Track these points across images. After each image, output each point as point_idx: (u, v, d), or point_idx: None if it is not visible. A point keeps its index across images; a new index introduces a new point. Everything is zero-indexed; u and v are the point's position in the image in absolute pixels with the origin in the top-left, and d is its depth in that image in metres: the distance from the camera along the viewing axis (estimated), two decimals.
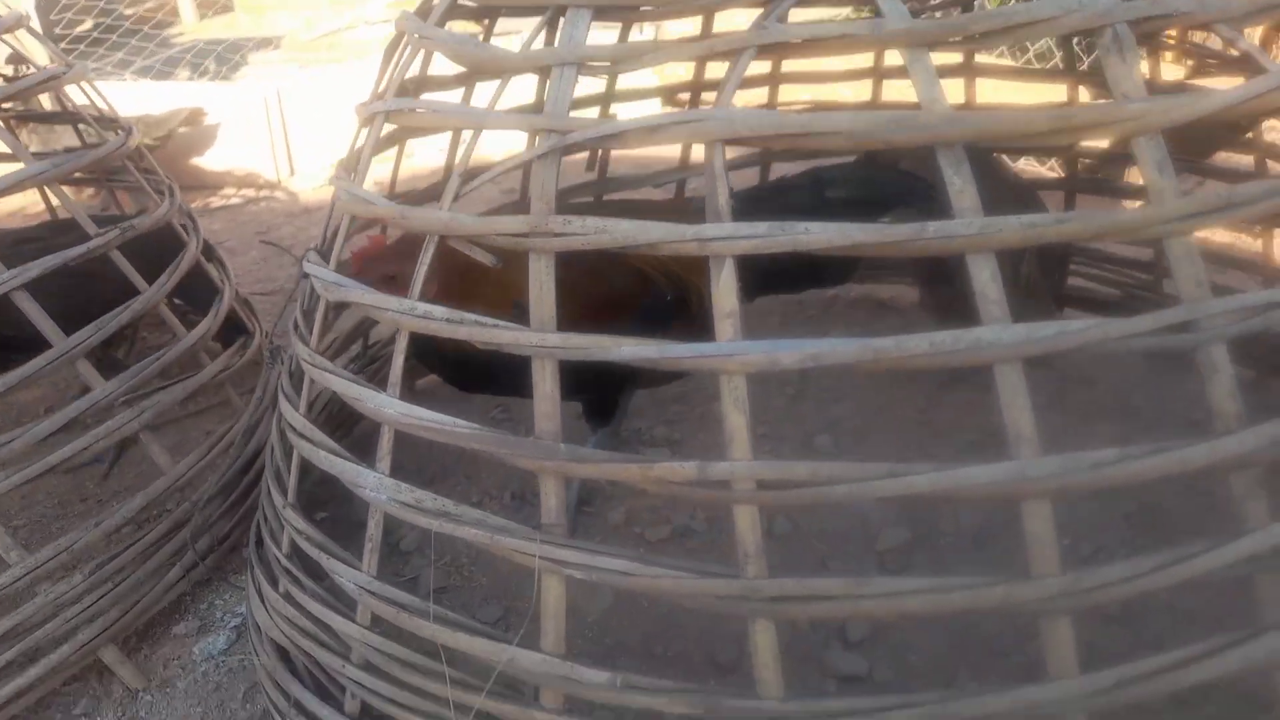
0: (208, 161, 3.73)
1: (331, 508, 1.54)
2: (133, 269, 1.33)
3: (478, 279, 1.03)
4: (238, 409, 1.55)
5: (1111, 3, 0.76)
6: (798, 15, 0.83)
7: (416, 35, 1.06)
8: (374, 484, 0.92)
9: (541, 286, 0.83)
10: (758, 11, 0.81)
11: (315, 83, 4.07)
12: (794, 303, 2.08)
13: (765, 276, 1.30)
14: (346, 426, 1.58)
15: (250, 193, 3.64)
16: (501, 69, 0.94)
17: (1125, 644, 1.11)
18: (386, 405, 0.91)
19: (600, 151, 1.75)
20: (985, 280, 0.72)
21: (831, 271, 1.50)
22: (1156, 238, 0.73)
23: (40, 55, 1.88)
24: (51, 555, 1.11)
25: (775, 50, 0.78)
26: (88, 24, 7.18)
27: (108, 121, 1.74)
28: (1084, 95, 1.77)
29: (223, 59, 6.49)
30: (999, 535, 1.34)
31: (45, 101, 2.21)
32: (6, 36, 1.48)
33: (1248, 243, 2.02)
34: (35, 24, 1.59)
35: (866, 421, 1.63)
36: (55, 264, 1.27)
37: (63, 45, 5.80)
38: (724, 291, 0.76)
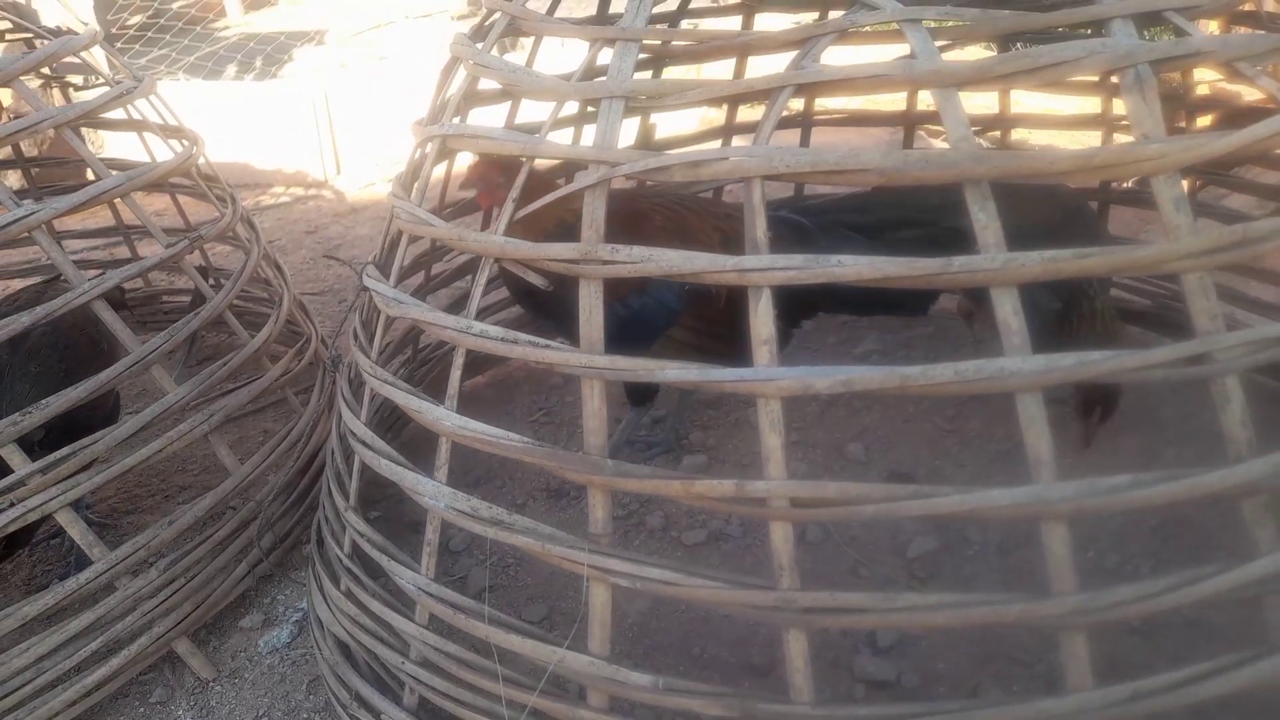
0: (257, 160, 3.84)
1: (384, 506, 1.62)
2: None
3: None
4: (295, 410, 1.63)
5: (1134, 44, 0.80)
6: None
7: (472, 62, 1.12)
8: (433, 492, 0.98)
9: (591, 310, 0.89)
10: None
11: (360, 83, 4.16)
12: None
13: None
14: (398, 428, 1.66)
15: (299, 191, 3.74)
16: (551, 98, 1.00)
17: (1145, 656, 1.15)
18: (444, 418, 0.98)
19: None
20: (1007, 312, 0.76)
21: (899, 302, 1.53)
22: (1172, 272, 0.76)
23: (104, 63, 1.97)
24: (130, 552, 1.20)
25: (810, 89, 0.83)
26: (137, 20, 7.37)
27: (172, 131, 1.82)
28: (1118, 107, 1.79)
29: (269, 56, 6.63)
30: (1025, 545, 1.38)
31: None
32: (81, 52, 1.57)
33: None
34: (100, 34, 1.67)
35: (896, 430, 1.67)
36: (133, 273, 1.36)
37: (116, 46, 5.97)
38: (761, 319, 0.81)
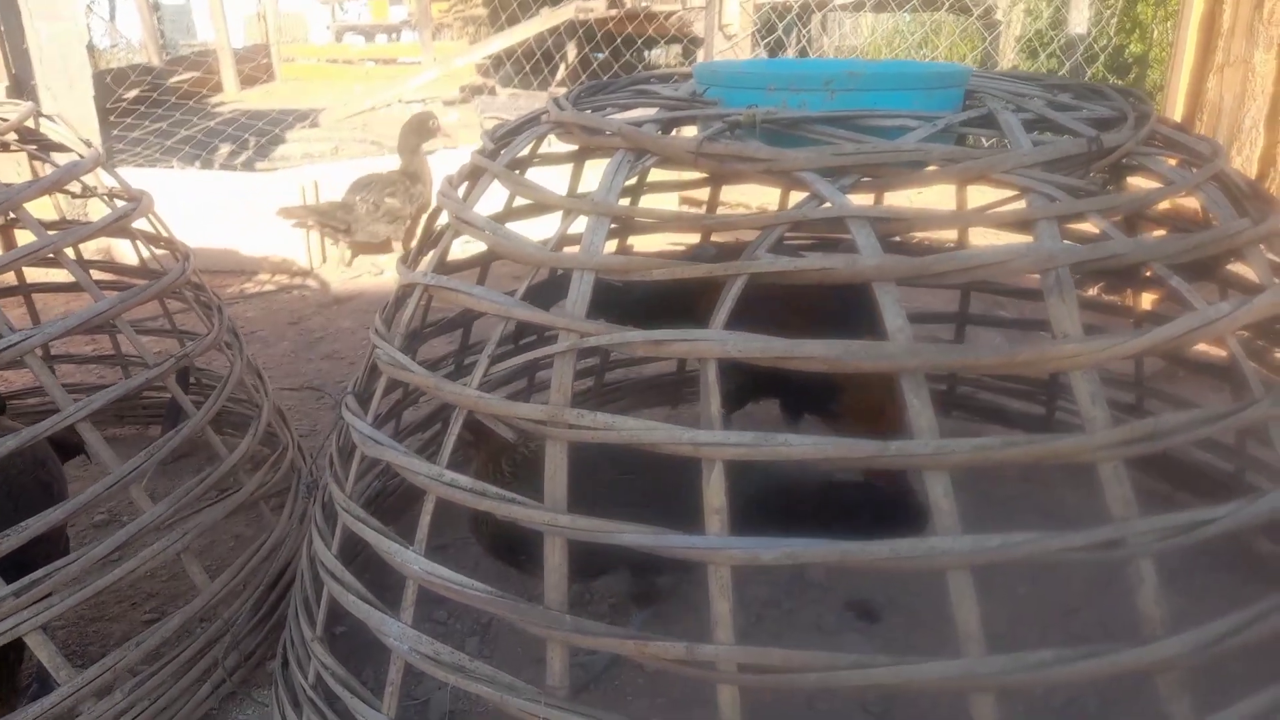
0: (245, 247, 3.92)
1: (351, 620, 1.63)
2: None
3: None
4: (267, 520, 1.66)
5: (1055, 247, 0.88)
6: None
7: (455, 218, 1.20)
8: (397, 634, 1.02)
9: (555, 469, 0.94)
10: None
11: (350, 170, 4.27)
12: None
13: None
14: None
15: (284, 279, 3.81)
16: (525, 262, 1.07)
17: None
18: (412, 562, 1.02)
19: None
20: (939, 494, 0.83)
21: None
22: (1089, 462, 0.83)
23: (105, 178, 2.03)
24: (97, 674, 1.21)
25: (762, 277, 0.90)
26: (134, 94, 7.53)
27: (165, 243, 1.89)
28: None
29: (263, 133, 6.78)
30: None
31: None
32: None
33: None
34: (103, 156, 1.75)
35: None
36: (118, 394, 1.40)
37: (111, 119, 6.10)
38: (713, 490, 0.87)
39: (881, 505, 1.31)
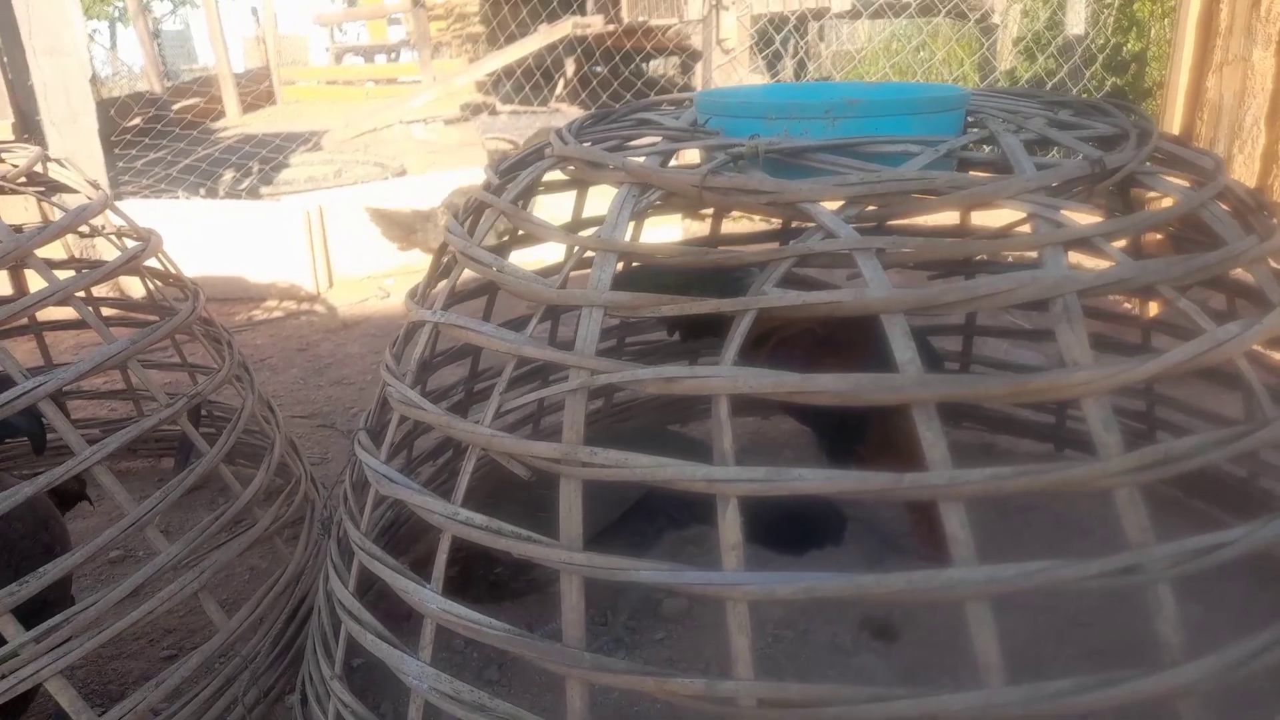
0: (252, 274, 3.94)
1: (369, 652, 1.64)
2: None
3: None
4: (282, 555, 1.66)
5: (1061, 275, 0.89)
6: None
7: (462, 254, 1.21)
8: (417, 672, 1.02)
9: (570, 507, 0.94)
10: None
11: (354, 193, 4.30)
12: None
13: None
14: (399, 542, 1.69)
15: (291, 305, 3.83)
16: (531, 299, 1.08)
17: None
18: (430, 600, 1.02)
19: None
20: (955, 525, 0.83)
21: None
22: (1104, 489, 0.83)
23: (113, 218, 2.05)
24: (118, 716, 1.22)
25: (770, 312, 0.91)
26: (136, 123, 7.59)
27: (175, 281, 1.90)
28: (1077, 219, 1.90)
29: (266, 159, 6.82)
30: None
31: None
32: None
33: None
34: (110, 197, 1.76)
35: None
36: (131, 436, 1.41)
37: (116, 150, 6.14)
38: (729, 526, 0.87)
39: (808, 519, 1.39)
